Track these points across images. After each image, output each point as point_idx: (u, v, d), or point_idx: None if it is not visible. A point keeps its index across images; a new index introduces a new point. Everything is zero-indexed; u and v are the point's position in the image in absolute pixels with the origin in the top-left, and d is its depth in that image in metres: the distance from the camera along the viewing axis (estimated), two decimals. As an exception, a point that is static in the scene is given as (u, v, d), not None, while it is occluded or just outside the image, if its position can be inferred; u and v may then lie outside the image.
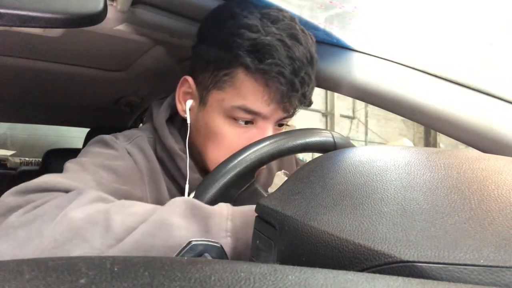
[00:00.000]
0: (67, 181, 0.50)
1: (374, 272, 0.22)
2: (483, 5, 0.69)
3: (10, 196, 0.46)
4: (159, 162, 0.67)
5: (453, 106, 0.62)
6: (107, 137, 0.65)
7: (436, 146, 8.21)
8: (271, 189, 0.63)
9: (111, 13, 0.68)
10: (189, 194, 0.59)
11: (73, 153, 0.65)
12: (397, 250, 0.22)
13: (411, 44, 0.77)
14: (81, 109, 1.51)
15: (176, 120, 0.72)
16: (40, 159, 1.83)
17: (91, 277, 0.18)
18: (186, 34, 0.78)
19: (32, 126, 3.07)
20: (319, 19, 0.72)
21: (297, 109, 0.67)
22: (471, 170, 0.29)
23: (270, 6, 0.65)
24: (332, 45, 0.78)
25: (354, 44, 0.75)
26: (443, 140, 8.78)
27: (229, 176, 0.52)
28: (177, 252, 0.39)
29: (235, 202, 0.52)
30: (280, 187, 0.37)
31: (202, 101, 0.66)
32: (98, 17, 0.35)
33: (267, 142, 0.55)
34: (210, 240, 0.40)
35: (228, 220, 0.44)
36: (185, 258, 0.35)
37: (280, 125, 0.69)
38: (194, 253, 0.38)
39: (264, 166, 0.60)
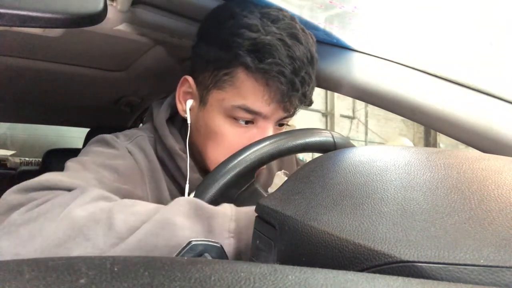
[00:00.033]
0: (69, 180, 0.50)
1: (374, 272, 0.22)
2: (483, 5, 0.69)
3: (12, 194, 0.46)
4: (159, 162, 0.67)
5: (453, 106, 0.62)
6: (108, 136, 0.65)
7: (436, 146, 8.20)
8: (271, 189, 0.63)
9: (111, 13, 0.68)
10: (189, 194, 0.59)
11: (73, 153, 0.65)
12: (397, 250, 0.22)
13: (411, 44, 0.77)
14: (81, 109, 1.51)
15: (176, 120, 0.72)
16: (40, 159, 1.83)
17: (91, 277, 0.18)
18: (186, 34, 0.78)
19: (32, 126, 3.07)
20: (319, 19, 0.72)
21: (297, 109, 0.67)
22: (471, 170, 0.29)
23: (270, 6, 0.65)
24: (332, 45, 0.78)
25: (354, 44, 0.75)
26: (443, 140, 8.78)
27: (229, 176, 0.52)
28: (177, 252, 0.38)
29: (235, 202, 0.52)
30: (280, 187, 0.37)
31: (202, 101, 0.66)
32: (98, 17, 0.35)
33: (267, 142, 0.55)
34: (210, 240, 0.40)
35: (231, 221, 0.44)
36: (185, 258, 0.35)
37: (281, 124, 0.69)
38: (194, 253, 0.38)
39: (264, 166, 0.60)
